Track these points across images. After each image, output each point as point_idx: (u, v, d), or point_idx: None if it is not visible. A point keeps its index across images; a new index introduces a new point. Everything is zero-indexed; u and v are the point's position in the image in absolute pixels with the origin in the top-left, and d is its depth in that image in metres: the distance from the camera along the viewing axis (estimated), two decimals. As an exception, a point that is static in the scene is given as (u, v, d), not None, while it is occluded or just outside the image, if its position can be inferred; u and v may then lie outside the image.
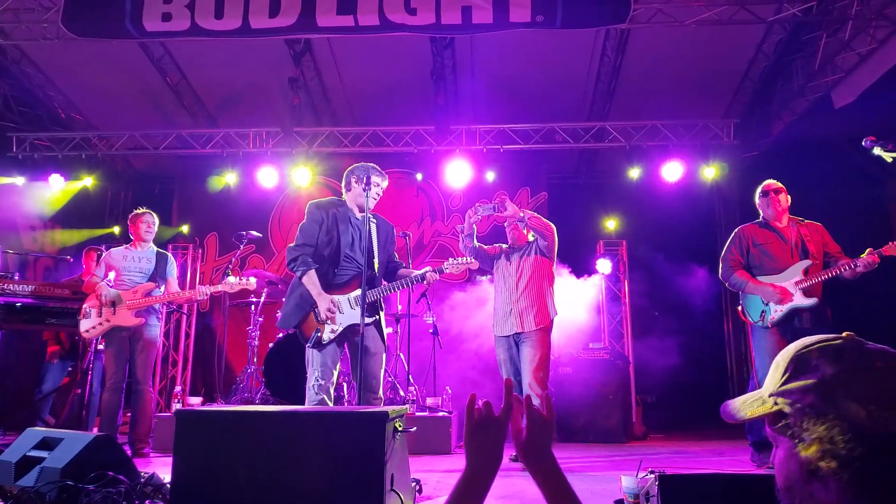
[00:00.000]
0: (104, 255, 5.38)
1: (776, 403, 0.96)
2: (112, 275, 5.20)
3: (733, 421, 1.05)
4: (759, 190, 4.61)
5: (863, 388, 0.88)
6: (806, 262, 4.24)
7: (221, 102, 8.20)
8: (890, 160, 3.18)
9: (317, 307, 3.84)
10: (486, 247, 5.14)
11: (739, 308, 4.52)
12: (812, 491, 0.89)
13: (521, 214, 4.71)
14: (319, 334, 3.82)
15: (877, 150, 3.18)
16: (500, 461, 1.29)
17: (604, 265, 8.11)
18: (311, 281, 3.86)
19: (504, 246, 5.17)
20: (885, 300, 6.21)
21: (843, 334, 0.97)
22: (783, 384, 0.96)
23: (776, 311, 4.23)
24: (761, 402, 1.00)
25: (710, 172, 7.84)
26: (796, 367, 0.96)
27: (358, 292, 3.83)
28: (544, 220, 4.81)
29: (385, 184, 4.14)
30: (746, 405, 1.03)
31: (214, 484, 2.57)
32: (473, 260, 4.11)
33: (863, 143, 3.23)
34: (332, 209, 4.05)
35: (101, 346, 5.33)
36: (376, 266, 4.04)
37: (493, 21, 5.99)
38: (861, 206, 7.43)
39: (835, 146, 7.75)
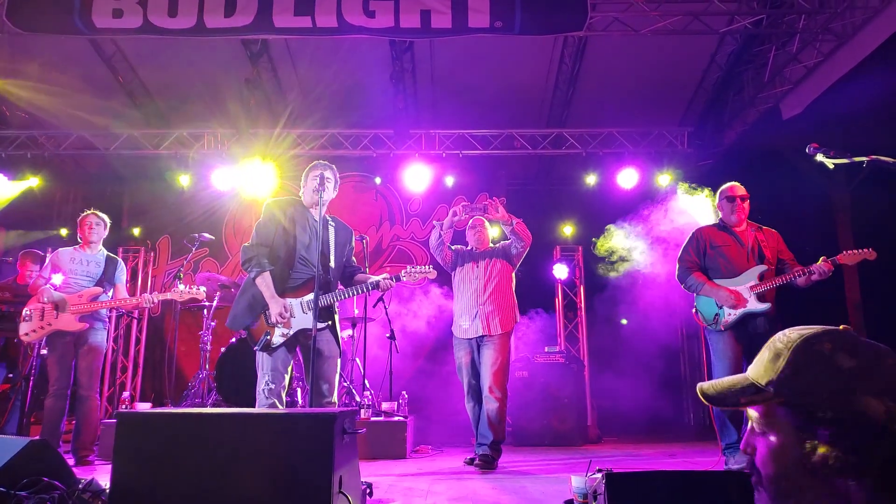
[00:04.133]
0: (51, 255, 5.18)
1: (778, 394, 0.91)
2: (59, 277, 5.01)
3: (717, 406, 1.01)
4: (722, 192, 4.54)
5: (879, 383, 0.85)
6: (762, 268, 4.27)
7: (175, 103, 8.01)
8: (831, 166, 3.26)
9: (268, 310, 3.75)
10: (453, 247, 5.15)
11: (693, 310, 4.52)
12: (823, 488, 0.85)
13: (511, 219, 4.86)
14: (269, 337, 3.73)
15: (819, 157, 3.25)
16: None
17: (560, 270, 8.17)
18: (265, 283, 3.76)
19: (465, 248, 5.19)
20: (832, 308, 6.41)
21: (841, 327, 0.93)
22: (784, 374, 0.91)
23: (730, 315, 4.23)
24: (755, 391, 0.94)
25: (665, 180, 7.99)
26: (803, 358, 0.91)
27: (311, 296, 3.76)
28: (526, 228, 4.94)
29: (336, 178, 4.06)
30: (735, 392, 0.98)
31: (156, 489, 2.48)
32: (432, 269, 4.07)
33: (807, 150, 3.30)
34: (290, 208, 3.98)
35: (44, 352, 5.12)
36: (332, 269, 3.98)
37: (451, 26, 6.00)
38: (808, 214, 7.65)
39: (783, 156, 7.97)
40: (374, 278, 3.99)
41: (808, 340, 0.92)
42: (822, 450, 0.85)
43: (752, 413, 0.97)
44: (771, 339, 0.97)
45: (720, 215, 4.60)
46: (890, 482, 0.81)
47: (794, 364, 0.91)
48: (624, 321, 8.47)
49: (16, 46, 6.67)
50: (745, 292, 4.23)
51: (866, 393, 0.84)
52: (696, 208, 6.59)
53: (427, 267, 4.10)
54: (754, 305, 4.20)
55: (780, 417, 0.91)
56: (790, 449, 0.89)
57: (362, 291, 4.04)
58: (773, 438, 0.92)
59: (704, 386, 1.03)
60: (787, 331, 0.96)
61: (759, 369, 0.96)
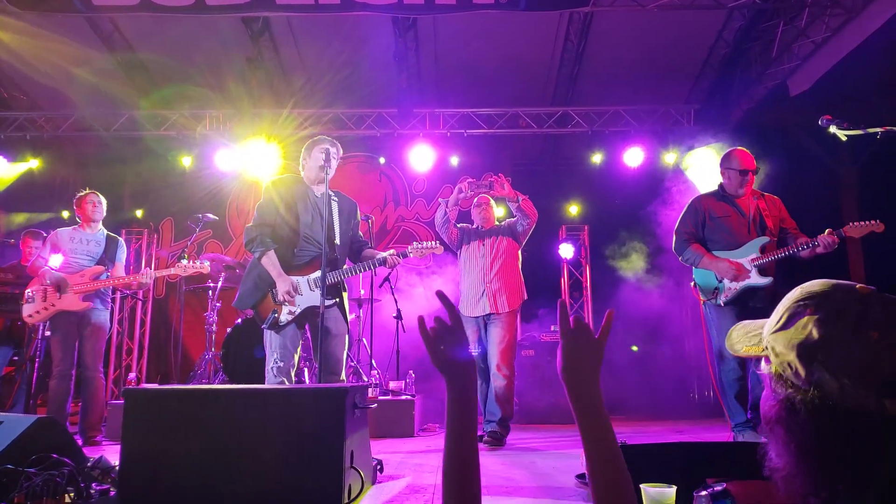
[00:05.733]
0: (50, 235, 5.15)
1: (766, 348, 0.93)
2: (59, 258, 4.98)
3: (731, 353, 1.02)
4: (730, 161, 4.26)
5: (843, 359, 0.83)
6: (763, 239, 4.09)
7: (176, 83, 7.93)
8: (844, 138, 3.17)
9: (275, 288, 3.73)
10: (459, 225, 5.11)
11: (692, 284, 4.33)
12: (777, 435, 0.89)
13: (517, 196, 4.79)
14: (276, 315, 3.71)
15: (832, 129, 3.16)
16: (472, 366, 1.25)
17: (566, 250, 8.13)
18: (271, 261, 3.74)
19: (472, 226, 5.15)
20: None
21: (858, 286, 0.90)
22: (775, 330, 0.92)
23: (730, 289, 4.06)
24: (757, 341, 0.97)
25: (671, 158, 7.92)
26: (791, 316, 0.91)
27: (318, 273, 3.74)
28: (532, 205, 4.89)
29: (339, 153, 4.03)
30: (744, 338, 1.00)
31: (165, 465, 2.47)
32: (438, 245, 4.04)
33: (819, 122, 3.22)
34: (291, 187, 3.94)
35: (48, 333, 5.10)
36: (338, 246, 3.94)
37: (456, 2, 5.93)
38: (814, 191, 7.59)
39: (790, 133, 7.91)
40: (382, 254, 3.98)
41: (801, 299, 0.91)
42: (779, 413, 0.88)
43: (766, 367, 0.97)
44: (795, 300, 0.93)
45: (721, 181, 4.35)
46: (816, 449, 0.84)
47: (784, 321, 0.92)
48: (635, 348, 8.41)
49: (11, 26, 6.58)
50: (747, 264, 4.04)
51: (824, 368, 0.84)
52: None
53: (433, 242, 4.06)
54: (756, 279, 4.01)
55: (768, 371, 0.93)
56: (768, 402, 0.92)
57: (369, 268, 4.02)
58: (765, 389, 0.94)
59: (731, 333, 1.04)
60: (806, 284, 0.94)
61: (769, 321, 0.96)
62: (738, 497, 1.73)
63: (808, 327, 0.87)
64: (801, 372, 0.85)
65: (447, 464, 1.18)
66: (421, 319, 1.29)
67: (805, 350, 0.86)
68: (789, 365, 0.87)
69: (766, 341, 0.94)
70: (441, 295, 1.29)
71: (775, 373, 0.90)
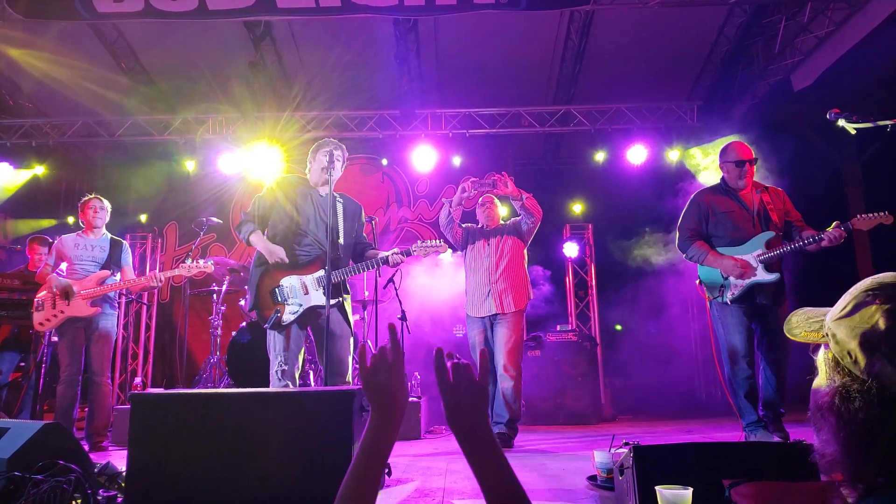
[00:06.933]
0: (55, 242, 5.15)
1: (826, 335, 0.92)
2: (64, 264, 4.99)
3: (789, 336, 1.00)
4: (727, 153, 4.20)
5: None
6: (769, 234, 4.00)
7: (179, 88, 7.94)
8: (853, 132, 3.15)
9: (278, 288, 3.73)
10: (463, 225, 5.08)
11: (697, 282, 4.26)
12: (828, 422, 0.87)
13: (520, 194, 4.74)
14: (279, 315, 3.71)
15: (841, 122, 3.14)
16: (402, 404, 1.25)
17: (570, 249, 8.11)
18: (259, 239, 3.84)
19: (476, 226, 5.13)
20: (841, 274, 6.32)
21: None
22: (840, 317, 0.90)
23: (736, 287, 3.97)
24: (818, 328, 0.95)
25: (675, 155, 7.89)
26: (857, 304, 0.89)
27: (321, 272, 3.73)
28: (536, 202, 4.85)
29: (344, 156, 4.05)
30: (804, 324, 0.99)
31: (173, 469, 2.46)
32: (442, 244, 4.01)
33: (828, 116, 3.20)
34: (296, 187, 3.98)
35: (55, 339, 5.10)
36: (341, 246, 3.94)
37: (456, 3, 5.91)
38: (820, 187, 7.56)
39: (794, 128, 7.87)
40: (384, 253, 3.96)
41: (865, 291, 0.89)
42: (833, 400, 0.86)
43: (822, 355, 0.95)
44: (864, 290, 0.91)
45: (721, 175, 4.28)
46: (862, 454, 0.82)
47: (846, 310, 0.90)
48: (618, 327, 8.44)
49: (16, 34, 6.59)
50: (753, 261, 3.95)
51: (886, 357, 0.82)
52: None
53: (437, 241, 4.04)
54: (762, 275, 3.93)
55: (824, 358, 0.91)
56: (820, 391, 0.90)
57: (372, 267, 4.01)
58: (818, 376, 0.93)
59: (792, 317, 1.02)
60: (876, 276, 0.93)
61: (833, 308, 0.94)
62: (755, 499, 1.71)
63: (874, 317, 0.85)
64: (862, 361, 0.84)
65: (344, 487, 1.16)
66: (362, 348, 1.32)
67: (868, 339, 0.85)
68: (849, 353, 0.86)
69: (828, 328, 0.92)
70: (391, 328, 1.29)
71: (832, 360, 0.90)
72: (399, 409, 1.24)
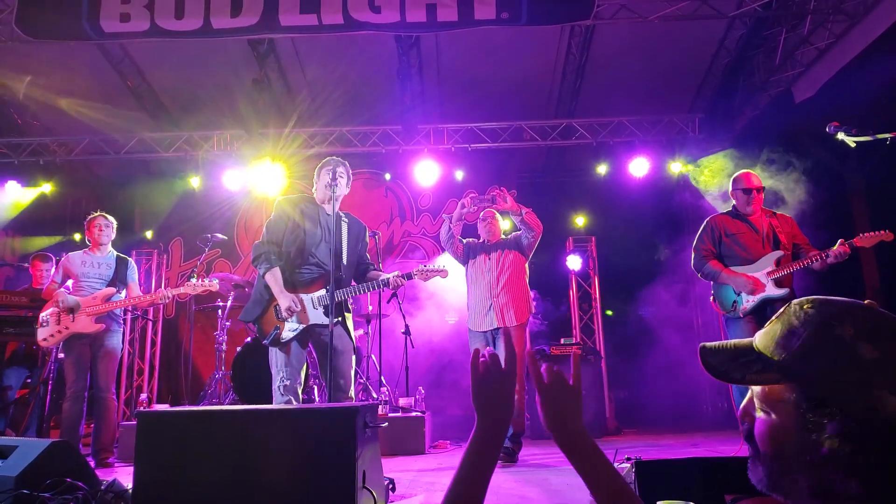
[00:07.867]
0: (62, 259, 5.20)
1: (787, 377, 0.84)
2: (70, 282, 5.04)
3: (718, 377, 0.93)
4: (736, 182, 4.47)
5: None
6: (778, 253, 4.23)
7: (184, 105, 8.03)
8: (853, 145, 3.19)
9: (278, 304, 3.75)
10: (464, 240, 5.11)
11: (711, 298, 4.49)
12: (815, 479, 0.80)
13: (520, 209, 4.78)
14: (279, 332, 3.73)
15: (840, 135, 3.19)
16: (509, 414, 1.21)
17: (574, 261, 8.13)
18: (274, 278, 3.77)
19: (477, 241, 5.15)
20: (851, 294, 6.31)
21: (866, 302, 0.85)
22: (797, 356, 0.83)
23: (748, 302, 4.20)
24: (762, 367, 0.86)
25: (677, 167, 7.92)
26: (821, 342, 0.82)
27: (322, 292, 3.76)
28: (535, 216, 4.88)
29: (349, 174, 4.06)
30: (740, 364, 0.89)
31: (179, 486, 2.47)
32: (444, 269, 4.03)
33: (827, 129, 3.25)
34: (301, 205, 3.98)
35: (61, 355, 5.14)
36: (344, 266, 3.95)
37: (458, 19, 5.96)
38: (823, 199, 7.57)
39: (796, 140, 7.88)
40: (385, 276, 3.96)
41: (828, 323, 0.82)
42: (828, 443, 0.78)
43: (755, 387, 0.90)
44: (787, 308, 0.88)
45: (734, 202, 4.53)
46: (887, 488, 0.75)
47: (810, 347, 0.82)
48: (609, 312, 8.46)
49: (23, 54, 6.68)
50: (763, 278, 4.19)
51: (884, 388, 0.76)
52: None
53: (439, 265, 4.05)
54: (772, 291, 4.16)
55: (787, 400, 0.83)
56: (793, 434, 0.82)
57: (373, 289, 4.03)
58: (774, 417, 0.85)
59: (708, 346, 0.95)
60: (805, 302, 0.87)
61: (769, 342, 0.87)
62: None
63: (856, 348, 0.79)
64: (859, 397, 0.78)
65: (451, 490, 1.13)
66: (476, 352, 1.25)
67: (861, 374, 0.78)
68: (840, 392, 0.80)
69: (785, 370, 0.85)
70: (532, 356, 1.26)
71: (806, 400, 0.82)
72: (506, 423, 1.21)
